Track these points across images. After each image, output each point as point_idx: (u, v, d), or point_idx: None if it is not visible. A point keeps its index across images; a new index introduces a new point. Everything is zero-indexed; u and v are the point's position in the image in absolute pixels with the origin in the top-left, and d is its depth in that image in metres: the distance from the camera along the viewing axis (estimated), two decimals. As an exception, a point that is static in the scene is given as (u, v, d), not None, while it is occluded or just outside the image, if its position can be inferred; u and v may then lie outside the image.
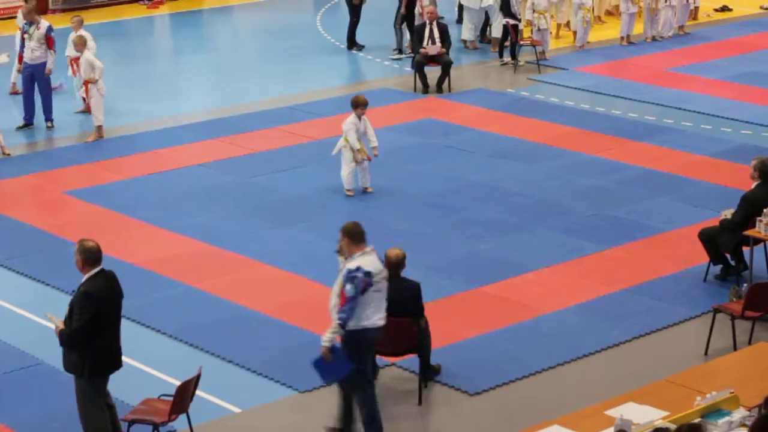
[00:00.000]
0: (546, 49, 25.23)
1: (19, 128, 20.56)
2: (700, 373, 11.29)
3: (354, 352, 11.01)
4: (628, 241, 16.01)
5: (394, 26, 25.79)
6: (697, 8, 29.00)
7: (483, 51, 26.18)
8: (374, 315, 11.04)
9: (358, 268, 10.90)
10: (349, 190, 17.55)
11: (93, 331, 10.35)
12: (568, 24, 27.49)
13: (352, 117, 17.47)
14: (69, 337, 10.41)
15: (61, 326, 10.51)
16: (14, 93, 22.38)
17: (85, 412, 10.70)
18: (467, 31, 26.45)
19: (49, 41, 20.50)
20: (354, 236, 11.10)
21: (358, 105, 17.49)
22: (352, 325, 10.93)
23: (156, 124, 21.11)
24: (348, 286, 10.88)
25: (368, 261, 10.99)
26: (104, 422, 10.72)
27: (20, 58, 20.79)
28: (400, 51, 25.68)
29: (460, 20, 27.48)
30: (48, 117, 20.91)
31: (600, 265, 15.33)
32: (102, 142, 20.17)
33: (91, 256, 10.47)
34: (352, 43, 26.35)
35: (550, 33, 25.70)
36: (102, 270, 10.52)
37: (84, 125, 20.55)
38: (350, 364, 10.99)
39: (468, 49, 26.30)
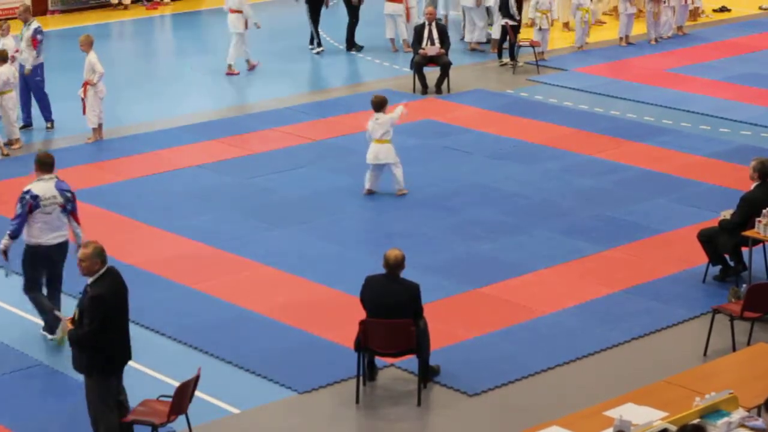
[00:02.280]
0: (545, 49, 25.24)
1: (19, 129, 20.53)
2: (699, 373, 11.30)
3: (27, 262, 13.14)
4: (627, 242, 16.01)
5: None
6: (697, 8, 29.05)
7: (482, 52, 26.16)
8: (42, 234, 12.98)
9: (27, 191, 12.86)
10: (402, 190, 17.58)
11: (104, 332, 10.50)
12: (567, 24, 27.51)
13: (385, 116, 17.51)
14: (80, 340, 10.57)
15: (69, 326, 10.60)
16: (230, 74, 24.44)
17: (93, 413, 10.75)
18: (469, 33, 26.43)
19: (33, 42, 20.53)
20: (39, 165, 13.05)
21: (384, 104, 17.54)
22: (27, 240, 12.99)
23: (155, 125, 21.11)
24: (18, 206, 12.82)
25: (40, 186, 12.91)
26: (114, 423, 10.75)
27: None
28: (319, 44, 26.36)
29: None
30: (47, 118, 20.92)
31: (599, 265, 15.33)
32: (101, 143, 20.17)
33: (105, 256, 10.67)
34: (351, 43, 26.37)
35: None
36: (108, 269, 10.67)
37: (83, 127, 20.52)
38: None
39: (470, 50, 26.27)
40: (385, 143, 17.43)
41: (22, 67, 20.58)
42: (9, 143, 19.74)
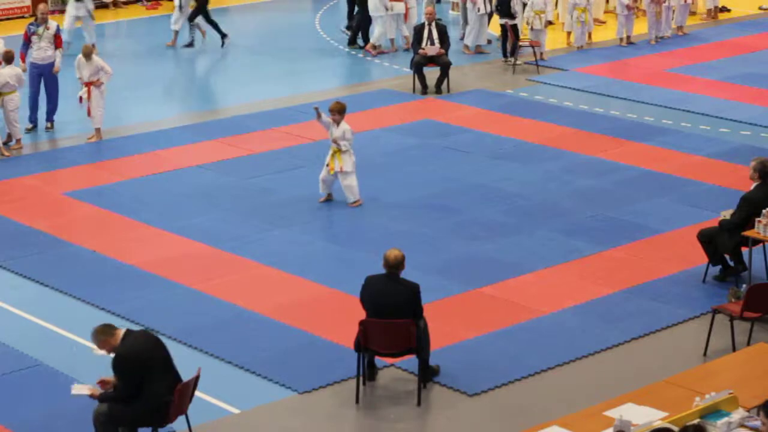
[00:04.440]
0: (542, 49, 25.22)
1: (27, 131, 20.53)
2: (699, 373, 11.30)
3: None
4: (627, 241, 16.01)
5: (189, 22, 26.82)
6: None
7: (482, 53, 26.13)
8: None
9: None
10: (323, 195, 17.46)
11: (138, 387, 10.56)
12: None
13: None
14: (117, 399, 10.64)
15: (96, 392, 10.74)
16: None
17: None
18: (466, 35, 26.33)
19: (57, 40, 20.71)
20: None
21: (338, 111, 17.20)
22: None
23: (155, 125, 21.11)
24: None
25: None
26: None
27: (22, 57, 20.82)
28: (191, 44, 26.94)
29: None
30: (49, 117, 20.91)
31: (599, 265, 15.33)
32: (101, 143, 20.17)
33: (108, 327, 10.73)
34: (366, 41, 26.31)
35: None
36: (128, 332, 10.74)
37: (83, 127, 20.54)
38: None
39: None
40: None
41: (38, 66, 20.62)
42: (7, 142, 19.71)
